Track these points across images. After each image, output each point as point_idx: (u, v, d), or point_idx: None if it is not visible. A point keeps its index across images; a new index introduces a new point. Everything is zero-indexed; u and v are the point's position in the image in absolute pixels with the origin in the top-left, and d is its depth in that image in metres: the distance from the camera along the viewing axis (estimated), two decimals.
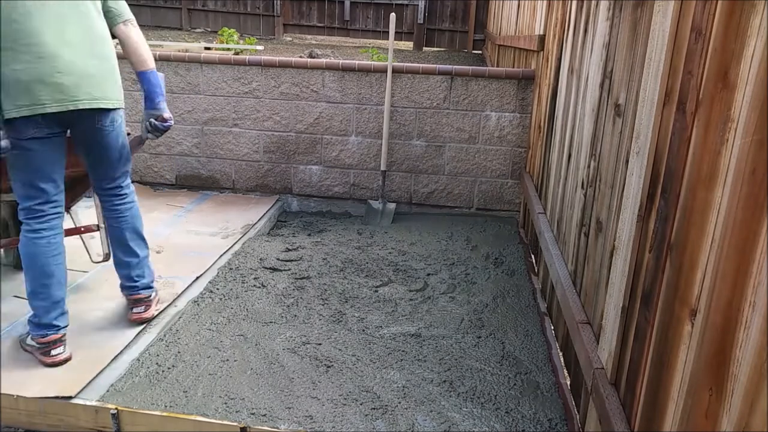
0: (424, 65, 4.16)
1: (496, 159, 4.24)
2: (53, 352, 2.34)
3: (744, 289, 1.03)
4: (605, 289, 1.92)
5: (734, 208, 1.09)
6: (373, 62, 4.30)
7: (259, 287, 3.08)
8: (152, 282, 2.73)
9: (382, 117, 4.22)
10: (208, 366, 2.38)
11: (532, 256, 3.65)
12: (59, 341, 2.35)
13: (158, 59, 4.26)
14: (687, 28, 1.40)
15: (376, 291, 3.12)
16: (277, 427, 2.04)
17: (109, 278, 3.05)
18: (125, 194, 2.64)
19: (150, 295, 2.69)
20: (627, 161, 1.80)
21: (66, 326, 2.40)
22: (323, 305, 2.94)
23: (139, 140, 2.73)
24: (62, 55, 2.25)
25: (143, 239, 2.69)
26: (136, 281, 2.65)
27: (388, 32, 4.65)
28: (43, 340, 2.33)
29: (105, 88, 2.38)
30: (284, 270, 3.30)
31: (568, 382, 2.42)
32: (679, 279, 1.33)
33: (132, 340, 2.52)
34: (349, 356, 2.50)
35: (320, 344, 2.58)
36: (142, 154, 4.48)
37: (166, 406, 2.13)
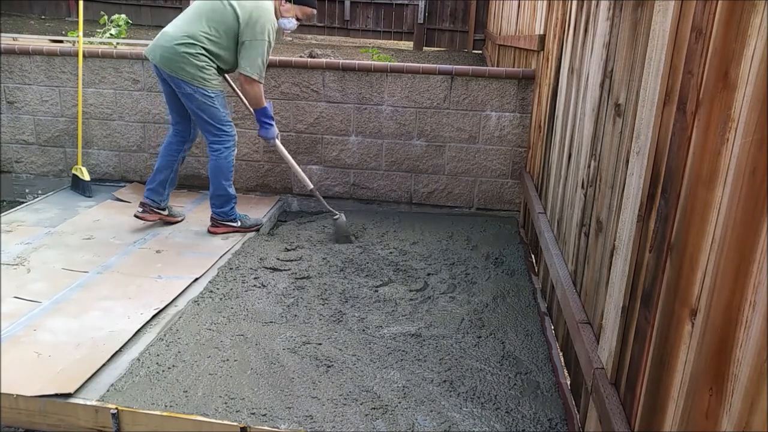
0: (424, 65, 4.16)
1: (497, 159, 4.24)
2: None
3: (744, 289, 1.03)
4: (605, 289, 1.92)
5: (734, 208, 1.09)
6: (373, 62, 4.30)
7: (260, 287, 3.08)
8: (219, 214, 3.66)
9: (383, 117, 4.22)
10: (208, 366, 2.38)
11: (532, 256, 3.65)
12: (141, 204, 3.65)
13: None
14: (687, 27, 1.40)
15: (377, 291, 3.12)
16: (277, 427, 2.04)
17: (109, 278, 3.06)
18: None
19: (216, 219, 3.67)
20: (627, 161, 1.80)
21: (149, 198, 3.65)
22: (323, 305, 2.94)
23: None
24: None
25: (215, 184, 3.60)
26: (211, 205, 3.68)
27: (388, 32, 4.73)
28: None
29: None
30: (284, 270, 3.30)
31: (568, 382, 2.42)
32: (680, 279, 1.33)
33: (132, 340, 2.52)
34: (349, 356, 2.50)
35: (320, 344, 2.58)
36: (142, 154, 4.49)
37: (166, 406, 2.13)
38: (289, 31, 3.64)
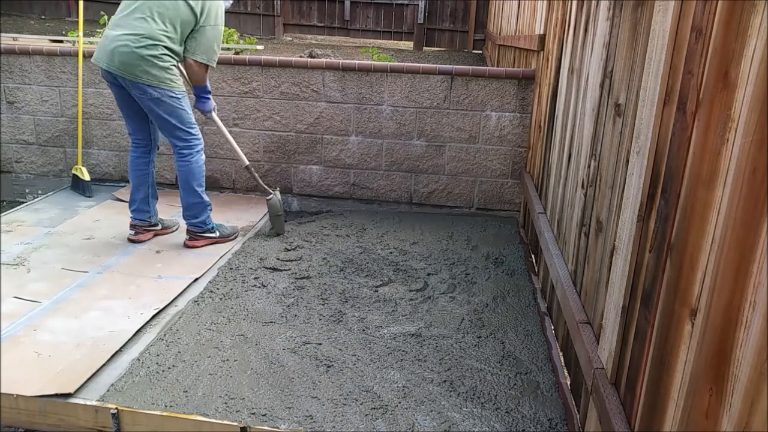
0: (424, 65, 4.16)
1: (497, 159, 4.24)
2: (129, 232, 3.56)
3: (744, 289, 1.03)
4: (605, 288, 1.92)
5: (734, 208, 1.09)
6: (373, 62, 4.29)
7: (260, 287, 3.08)
8: (197, 225, 3.49)
9: (383, 117, 4.22)
10: (208, 366, 2.38)
11: (532, 256, 3.65)
12: (132, 227, 3.54)
13: None
14: (687, 27, 1.40)
15: (376, 291, 3.12)
16: (277, 427, 2.04)
17: (109, 278, 3.06)
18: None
19: (193, 231, 3.50)
20: (627, 161, 1.80)
21: (137, 219, 3.52)
22: (323, 305, 2.94)
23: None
24: None
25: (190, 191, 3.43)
26: (185, 218, 3.50)
27: (388, 32, 4.73)
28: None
29: None
30: (284, 270, 3.30)
31: (568, 382, 2.42)
32: (680, 279, 1.33)
33: (132, 340, 2.52)
34: (349, 356, 2.50)
35: (320, 344, 2.58)
36: None
37: (166, 406, 2.13)
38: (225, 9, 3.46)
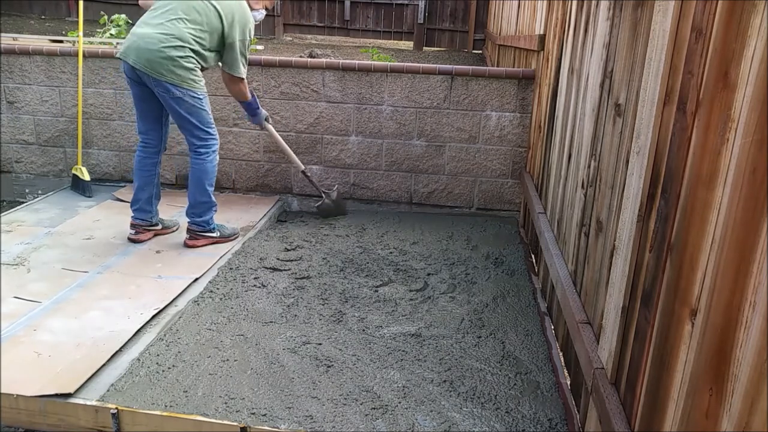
0: (424, 65, 4.15)
1: (497, 159, 4.24)
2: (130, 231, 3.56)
3: (744, 289, 1.03)
4: (605, 288, 1.92)
5: (734, 208, 1.09)
6: (373, 62, 4.29)
7: (260, 287, 3.08)
8: (199, 224, 3.49)
9: (383, 117, 4.22)
10: (208, 366, 2.38)
11: (532, 256, 3.65)
12: (132, 226, 3.54)
13: None
14: (687, 27, 1.40)
15: (377, 291, 3.12)
16: (277, 427, 2.04)
17: (109, 278, 3.06)
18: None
19: (194, 230, 3.50)
20: (627, 161, 1.80)
21: (139, 218, 3.52)
22: (323, 305, 2.94)
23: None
24: None
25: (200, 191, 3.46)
26: (189, 216, 3.51)
27: (388, 32, 4.86)
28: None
29: None
30: (284, 270, 3.30)
31: (568, 382, 2.42)
32: (680, 279, 1.33)
33: (132, 340, 2.52)
34: (350, 356, 2.50)
35: (320, 344, 2.58)
36: None
37: (166, 406, 2.13)
38: (257, 22, 3.54)
